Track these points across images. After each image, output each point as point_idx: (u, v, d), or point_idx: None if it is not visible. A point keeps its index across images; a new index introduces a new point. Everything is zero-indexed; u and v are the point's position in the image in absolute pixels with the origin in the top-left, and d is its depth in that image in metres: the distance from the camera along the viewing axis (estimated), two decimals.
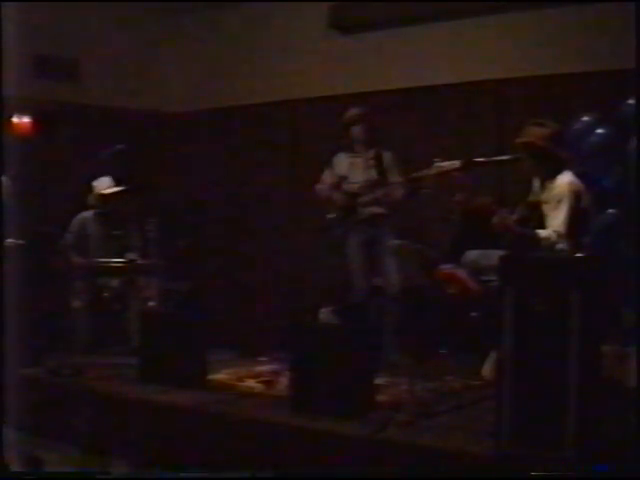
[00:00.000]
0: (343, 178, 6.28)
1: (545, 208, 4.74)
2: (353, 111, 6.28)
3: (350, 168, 6.29)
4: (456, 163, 4.83)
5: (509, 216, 4.75)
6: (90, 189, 6.74)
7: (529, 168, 4.87)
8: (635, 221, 4.54)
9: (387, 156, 6.27)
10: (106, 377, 5.83)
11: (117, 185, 6.74)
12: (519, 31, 6.76)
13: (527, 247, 4.59)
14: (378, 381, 5.09)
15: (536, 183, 4.92)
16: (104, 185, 6.70)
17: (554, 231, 4.63)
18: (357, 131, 6.24)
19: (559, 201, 4.66)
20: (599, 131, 5.79)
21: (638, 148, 4.93)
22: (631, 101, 5.38)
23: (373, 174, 6.23)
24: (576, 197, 4.67)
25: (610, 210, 5.50)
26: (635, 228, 4.40)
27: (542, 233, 4.64)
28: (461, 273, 4.87)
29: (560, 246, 4.58)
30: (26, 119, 7.16)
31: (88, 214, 6.80)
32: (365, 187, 6.21)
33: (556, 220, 4.65)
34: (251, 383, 5.63)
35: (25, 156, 5.44)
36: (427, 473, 4.04)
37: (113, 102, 8.03)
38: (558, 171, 4.75)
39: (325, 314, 6.43)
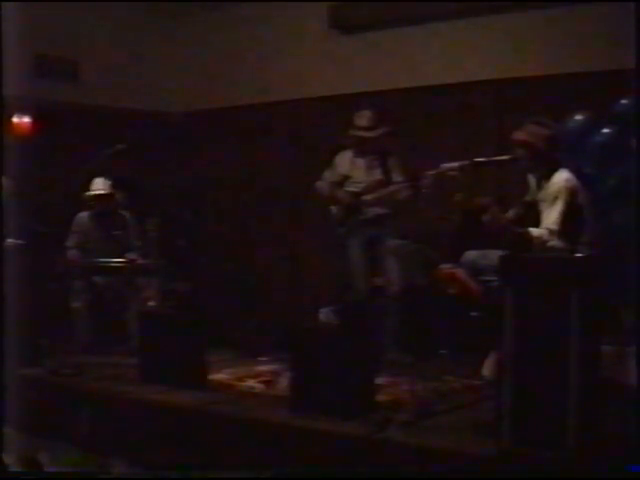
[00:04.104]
0: (346, 177, 6.27)
1: (542, 206, 4.74)
2: (366, 114, 6.22)
3: (353, 168, 6.28)
4: (458, 164, 4.83)
5: (500, 214, 4.75)
6: (89, 189, 6.75)
7: (526, 166, 4.87)
8: (635, 221, 4.53)
9: (390, 156, 6.26)
10: (106, 377, 5.84)
11: (113, 186, 6.74)
12: (519, 31, 6.76)
13: (520, 246, 4.59)
14: (378, 381, 5.10)
15: (532, 182, 4.92)
16: (96, 186, 6.71)
17: (547, 228, 4.63)
18: (369, 135, 6.19)
19: (555, 198, 4.66)
20: (598, 131, 5.79)
21: (638, 148, 4.93)
22: (630, 101, 5.38)
23: (377, 174, 6.22)
24: (572, 194, 4.67)
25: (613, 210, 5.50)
26: (635, 228, 4.39)
27: (535, 231, 4.64)
28: (461, 273, 4.86)
29: (553, 244, 4.58)
30: (26, 119, 7.16)
31: (87, 214, 6.81)
32: (370, 187, 6.20)
33: (550, 217, 4.65)
34: (251, 383, 5.63)
35: (25, 156, 5.44)
36: (427, 473, 4.04)
37: (113, 102, 8.03)
38: (554, 169, 4.75)
39: (325, 314, 6.42)
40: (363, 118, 6.18)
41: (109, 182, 6.73)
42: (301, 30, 7.97)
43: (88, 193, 6.71)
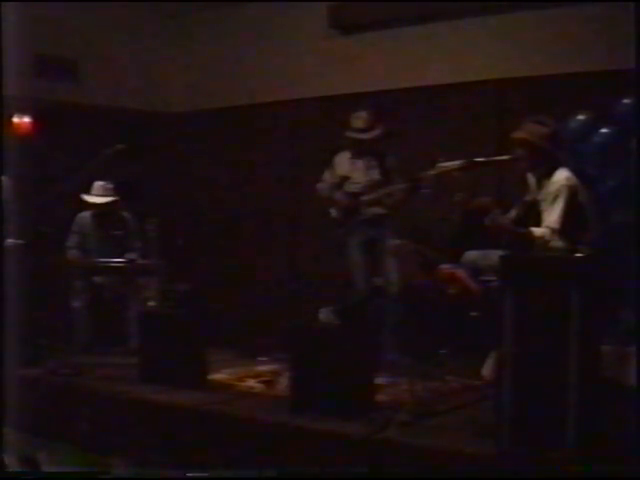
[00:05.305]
0: (345, 178, 6.27)
1: (542, 206, 4.74)
2: (362, 115, 6.21)
3: (352, 168, 6.28)
4: (458, 163, 4.83)
5: (501, 216, 4.75)
6: (89, 190, 6.74)
7: (526, 165, 4.87)
8: (635, 221, 4.53)
9: (389, 156, 6.26)
10: (106, 377, 5.84)
11: (114, 188, 6.74)
12: (519, 31, 6.76)
13: (522, 246, 4.59)
14: (378, 381, 5.10)
15: (532, 181, 4.92)
16: (96, 190, 6.70)
17: (548, 227, 4.63)
18: (365, 137, 6.18)
19: (555, 197, 4.66)
20: (598, 131, 5.79)
21: (638, 148, 4.93)
22: (630, 101, 5.39)
23: (375, 175, 6.22)
24: (572, 193, 4.67)
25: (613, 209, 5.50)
26: (635, 228, 4.40)
27: (536, 231, 4.64)
28: (461, 273, 4.87)
29: (555, 243, 4.58)
30: (26, 119, 7.16)
31: (87, 214, 6.81)
32: (368, 187, 6.20)
33: (551, 216, 4.65)
34: (251, 383, 5.64)
35: (25, 156, 5.43)
36: (427, 473, 4.04)
37: (113, 102, 8.03)
38: (555, 168, 4.75)
39: (325, 314, 6.42)
40: (359, 120, 6.16)
41: (109, 186, 6.72)
42: (301, 30, 7.97)
43: (88, 200, 6.70)
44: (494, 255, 4.51)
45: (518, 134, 4.82)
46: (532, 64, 6.66)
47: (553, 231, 4.61)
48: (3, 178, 5.26)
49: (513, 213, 4.95)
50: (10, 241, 5.37)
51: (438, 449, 4.12)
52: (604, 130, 5.76)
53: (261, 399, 5.29)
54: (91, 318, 6.49)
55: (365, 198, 6.20)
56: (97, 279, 6.61)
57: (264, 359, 6.38)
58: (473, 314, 5.07)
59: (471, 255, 5.01)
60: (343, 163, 6.32)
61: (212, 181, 8.57)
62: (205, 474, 4.53)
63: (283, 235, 8.15)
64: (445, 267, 4.98)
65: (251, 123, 8.30)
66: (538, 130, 4.77)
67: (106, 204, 6.69)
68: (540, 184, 4.83)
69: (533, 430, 3.82)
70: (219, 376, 5.79)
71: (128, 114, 8.10)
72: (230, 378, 5.78)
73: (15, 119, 7.01)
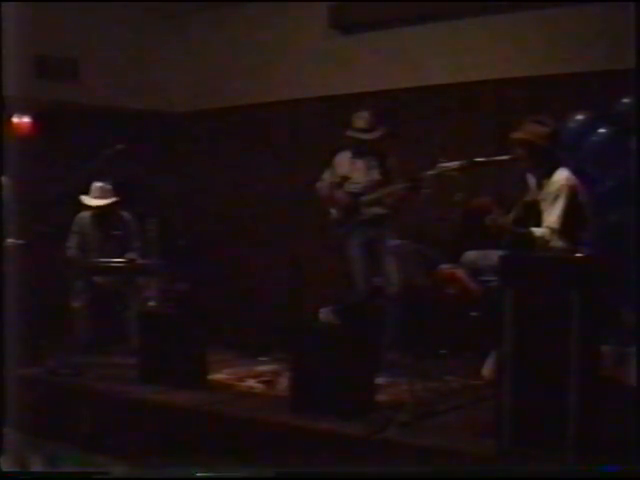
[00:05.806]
0: (345, 178, 6.27)
1: (542, 206, 4.75)
2: (364, 115, 6.22)
3: (352, 168, 6.27)
4: (458, 163, 4.84)
5: (501, 216, 4.75)
6: (88, 191, 6.74)
7: (526, 165, 4.87)
8: (635, 221, 4.53)
9: (389, 156, 6.26)
10: (106, 377, 5.84)
11: (113, 189, 6.74)
12: (519, 31, 6.76)
13: (522, 246, 4.59)
14: (378, 381, 5.10)
15: (532, 181, 4.92)
16: (94, 192, 6.70)
17: (548, 227, 4.63)
18: (367, 137, 6.19)
19: (555, 197, 4.67)
20: (598, 131, 5.79)
21: (638, 148, 4.93)
22: (630, 101, 5.39)
23: (376, 175, 6.22)
24: (572, 193, 4.68)
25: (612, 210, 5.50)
26: (635, 228, 4.40)
27: (537, 231, 4.64)
28: (461, 273, 4.87)
29: (555, 243, 4.58)
30: (26, 119, 7.16)
31: (87, 214, 6.80)
32: (368, 187, 6.20)
33: (551, 216, 4.65)
34: (251, 383, 5.64)
35: (25, 156, 5.44)
36: (427, 473, 4.04)
37: (113, 102, 8.03)
38: (555, 168, 4.75)
39: (325, 314, 6.42)
40: (361, 120, 6.16)
41: (108, 187, 6.71)
42: (301, 30, 7.97)
43: (87, 202, 6.70)
44: (494, 255, 4.52)
45: (518, 134, 4.82)
46: (532, 64, 6.66)
47: (553, 231, 4.61)
48: (3, 178, 5.26)
49: (513, 213, 4.95)
50: (10, 241, 5.38)
51: (438, 449, 4.12)
52: (604, 130, 5.76)
53: (261, 399, 5.29)
54: (91, 318, 6.48)
55: (365, 198, 6.20)
56: (97, 279, 6.61)
57: (264, 359, 6.38)
58: (473, 314, 5.07)
59: (471, 255, 5.01)
60: (343, 163, 6.32)
61: (212, 181, 8.57)
62: (205, 474, 4.53)
63: (283, 235, 8.14)
64: (445, 267, 4.98)
65: (251, 123, 8.30)
66: (538, 130, 4.77)
67: (105, 206, 6.69)
68: (540, 184, 4.83)
69: (533, 430, 3.82)
70: (219, 376, 5.80)
71: (128, 114, 8.10)
72: (230, 378, 5.79)
73: (15, 119, 7.01)
